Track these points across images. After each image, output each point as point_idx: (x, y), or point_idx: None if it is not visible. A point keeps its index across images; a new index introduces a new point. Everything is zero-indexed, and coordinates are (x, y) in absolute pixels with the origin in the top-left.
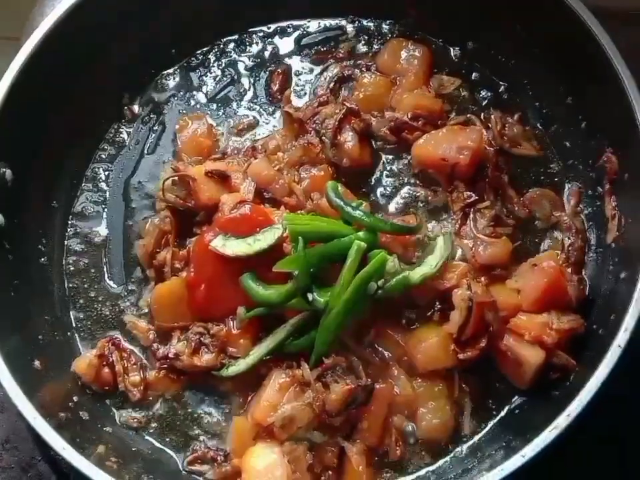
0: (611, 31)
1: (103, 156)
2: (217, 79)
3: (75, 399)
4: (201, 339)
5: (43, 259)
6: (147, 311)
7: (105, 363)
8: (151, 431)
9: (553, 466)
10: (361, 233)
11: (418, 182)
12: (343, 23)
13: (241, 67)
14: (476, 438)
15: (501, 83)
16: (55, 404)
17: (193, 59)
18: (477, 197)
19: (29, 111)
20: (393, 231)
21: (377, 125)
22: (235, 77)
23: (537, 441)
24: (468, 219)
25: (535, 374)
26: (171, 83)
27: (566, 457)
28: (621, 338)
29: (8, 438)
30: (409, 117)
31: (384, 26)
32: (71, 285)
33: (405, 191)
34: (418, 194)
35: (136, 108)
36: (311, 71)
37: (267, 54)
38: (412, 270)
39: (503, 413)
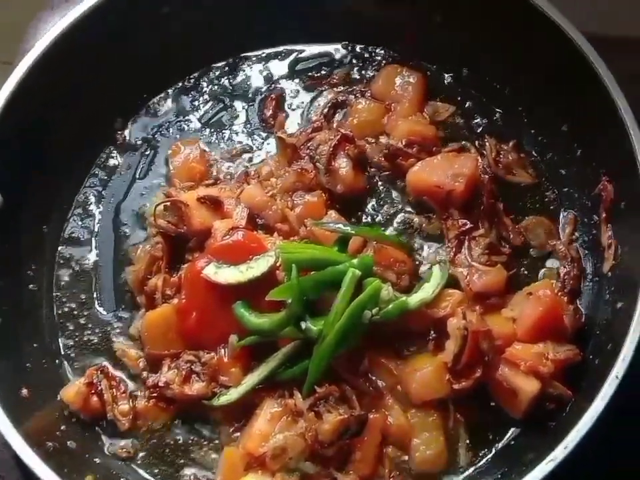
0: (609, 59)
1: (94, 181)
2: (210, 103)
3: (62, 427)
4: (192, 367)
5: (32, 285)
6: (137, 338)
7: (93, 391)
8: (140, 461)
9: None
10: (355, 261)
11: (412, 209)
12: (338, 48)
13: (234, 92)
14: (471, 470)
15: (496, 109)
16: (42, 433)
17: (185, 83)
18: (471, 225)
19: (20, 135)
20: (396, 244)
21: (371, 152)
22: (228, 102)
23: (533, 473)
24: (462, 246)
25: (531, 404)
26: (164, 107)
27: None
28: (619, 368)
29: None
30: (404, 143)
31: (378, 52)
32: (60, 312)
33: (399, 217)
34: (412, 221)
35: (127, 133)
36: (305, 96)
37: (260, 79)
38: (409, 296)
39: (498, 445)
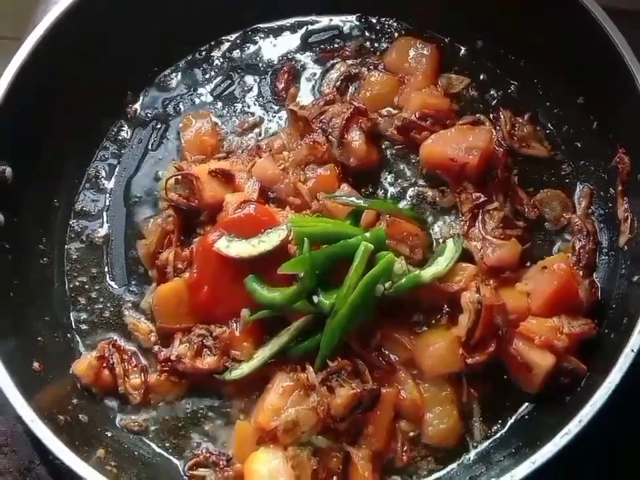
0: (626, 32)
1: (105, 154)
2: (221, 76)
3: (74, 401)
4: (204, 341)
5: (43, 259)
6: (148, 312)
7: (105, 365)
8: (151, 435)
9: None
10: (368, 234)
11: (426, 182)
12: (350, 20)
13: (246, 64)
14: (484, 444)
15: (511, 82)
16: (53, 406)
17: (197, 55)
18: (485, 198)
19: (30, 109)
20: (409, 218)
21: (384, 125)
22: (240, 75)
23: (547, 447)
24: (476, 220)
25: (545, 379)
26: (175, 80)
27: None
28: (634, 342)
29: (6, 441)
30: (417, 116)
31: (391, 23)
32: (71, 286)
33: (412, 191)
34: (426, 195)
35: (138, 106)
36: (317, 69)
37: (272, 51)
38: (422, 270)
39: (512, 419)
